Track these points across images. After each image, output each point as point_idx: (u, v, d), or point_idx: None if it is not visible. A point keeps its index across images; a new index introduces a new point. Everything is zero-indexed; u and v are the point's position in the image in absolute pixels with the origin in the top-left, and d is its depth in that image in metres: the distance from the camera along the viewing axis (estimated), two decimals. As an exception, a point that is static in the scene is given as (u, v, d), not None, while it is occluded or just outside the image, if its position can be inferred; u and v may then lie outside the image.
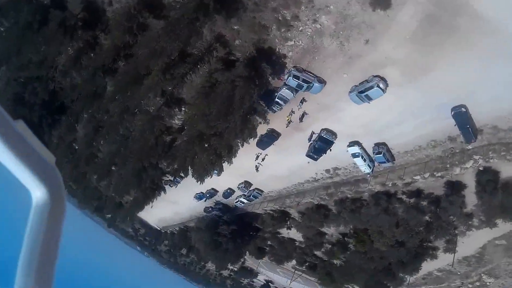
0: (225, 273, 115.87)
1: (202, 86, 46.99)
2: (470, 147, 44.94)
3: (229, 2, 40.61)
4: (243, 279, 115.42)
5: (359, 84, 42.77)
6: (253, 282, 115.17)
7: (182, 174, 61.66)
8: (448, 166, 47.44)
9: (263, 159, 58.19)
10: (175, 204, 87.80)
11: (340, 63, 42.70)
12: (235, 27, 44.15)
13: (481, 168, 46.57)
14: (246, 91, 41.03)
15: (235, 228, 73.50)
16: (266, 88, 45.85)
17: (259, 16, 42.34)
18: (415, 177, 50.72)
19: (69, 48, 52.76)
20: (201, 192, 76.07)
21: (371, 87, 41.21)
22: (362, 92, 42.01)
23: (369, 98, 42.10)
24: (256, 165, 59.69)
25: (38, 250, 1.92)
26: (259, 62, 42.99)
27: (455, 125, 42.10)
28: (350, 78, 43.43)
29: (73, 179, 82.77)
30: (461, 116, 41.11)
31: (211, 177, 57.95)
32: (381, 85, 40.91)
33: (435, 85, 39.96)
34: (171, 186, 77.38)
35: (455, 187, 49.04)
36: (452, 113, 41.32)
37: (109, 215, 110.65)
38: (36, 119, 59.96)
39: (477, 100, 40.14)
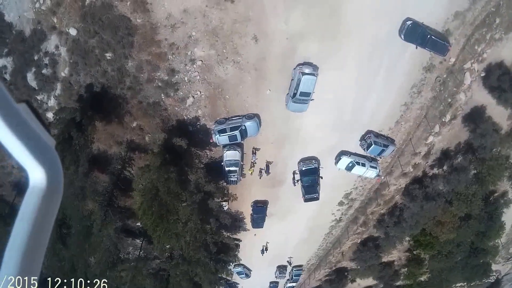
0: None
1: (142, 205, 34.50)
2: (453, 59, 32.18)
3: (107, 107, 32.17)
4: None
5: (289, 89, 30.74)
6: None
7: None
8: (449, 100, 34.35)
9: (266, 249, 46.85)
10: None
11: (252, 83, 31.22)
12: (134, 124, 33.62)
13: (482, 74, 33.98)
14: (167, 178, 30.32)
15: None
16: (205, 166, 34.54)
17: (143, 97, 32.51)
18: (428, 141, 37.14)
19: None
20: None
21: (299, 81, 29.04)
22: (294, 94, 29.82)
23: (307, 94, 29.87)
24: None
25: (29, 232, 1.72)
26: (171, 138, 31.72)
27: (416, 48, 29.94)
28: (276, 90, 31.61)
29: None
30: (415, 31, 29.18)
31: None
32: (306, 71, 29.17)
33: (362, 23, 28.51)
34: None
35: (475, 116, 35.72)
36: (402, 36, 29.53)
37: None
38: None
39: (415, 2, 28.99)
